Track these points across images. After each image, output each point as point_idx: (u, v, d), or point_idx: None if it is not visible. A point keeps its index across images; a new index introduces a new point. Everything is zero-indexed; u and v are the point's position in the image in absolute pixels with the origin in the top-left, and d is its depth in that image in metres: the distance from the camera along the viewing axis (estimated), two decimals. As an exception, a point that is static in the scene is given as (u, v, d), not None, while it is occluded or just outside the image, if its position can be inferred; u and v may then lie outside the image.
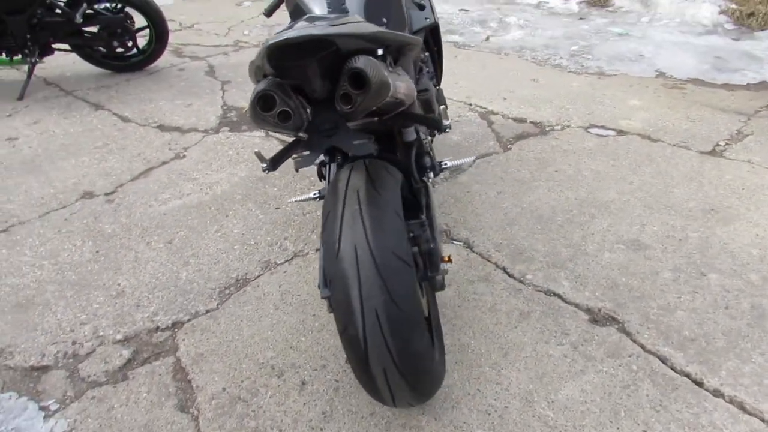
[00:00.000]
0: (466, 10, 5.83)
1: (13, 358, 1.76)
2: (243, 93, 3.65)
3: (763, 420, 1.47)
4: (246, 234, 2.29)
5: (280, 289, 1.99)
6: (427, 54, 2.20)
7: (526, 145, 2.94)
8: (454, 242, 2.20)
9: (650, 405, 1.52)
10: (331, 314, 1.30)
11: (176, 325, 1.87)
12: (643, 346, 1.70)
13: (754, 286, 1.92)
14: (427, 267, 1.48)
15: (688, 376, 1.60)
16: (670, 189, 2.50)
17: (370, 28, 1.18)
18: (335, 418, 1.54)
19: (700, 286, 1.93)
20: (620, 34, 4.87)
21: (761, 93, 3.56)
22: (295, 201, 2.10)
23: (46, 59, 3.89)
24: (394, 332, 1.19)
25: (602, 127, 3.12)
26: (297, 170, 1.32)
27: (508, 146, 2.94)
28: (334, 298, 1.22)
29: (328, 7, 1.64)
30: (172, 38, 4.70)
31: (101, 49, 3.91)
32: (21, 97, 3.65)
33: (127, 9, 3.81)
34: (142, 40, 4.06)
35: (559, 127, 3.13)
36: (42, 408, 1.60)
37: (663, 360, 1.65)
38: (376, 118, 1.40)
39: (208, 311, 1.91)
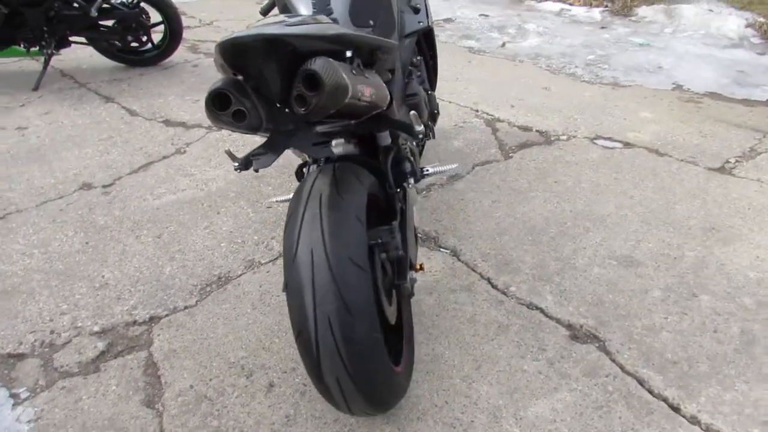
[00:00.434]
0: (486, 16, 5.79)
1: (-9, 344, 1.79)
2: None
3: (739, 451, 1.41)
4: (234, 232, 2.30)
5: (260, 288, 1.99)
6: (419, 58, 2.17)
7: (528, 155, 2.89)
8: (442, 250, 2.17)
9: (622, 428, 1.47)
10: None
11: (153, 319, 1.87)
12: (622, 367, 1.65)
13: (746, 310, 1.84)
14: (394, 274, 1.45)
15: (665, 400, 1.54)
16: (672, 205, 2.42)
17: (333, 29, 1.16)
18: (298, 422, 1.52)
19: (689, 308, 1.86)
20: (641, 45, 4.77)
21: (781, 110, 3.45)
22: (276, 201, 2.09)
23: (65, 52, 3.98)
24: (346, 340, 1.16)
25: (609, 138, 3.05)
26: (257, 170, 1.31)
27: (510, 154, 2.89)
28: (290, 301, 1.21)
29: (313, 8, 1.63)
30: (190, 34, 4.77)
31: (116, 43, 3.98)
32: (36, 88, 3.73)
33: (143, 4, 3.87)
34: (157, 36, 4.12)
35: (564, 137, 3.07)
36: (12, 395, 1.62)
37: (641, 382, 1.59)
38: (353, 121, 1.38)
39: (186, 307, 1.92)
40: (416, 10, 2.04)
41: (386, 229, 1.44)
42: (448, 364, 1.68)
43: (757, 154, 2.87)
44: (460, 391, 1.59)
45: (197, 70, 4.13)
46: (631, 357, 1.67)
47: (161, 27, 4.03)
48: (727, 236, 2.22)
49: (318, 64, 1.04)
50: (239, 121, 1.12)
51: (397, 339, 1.56)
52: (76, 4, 3.65)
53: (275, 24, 1.11)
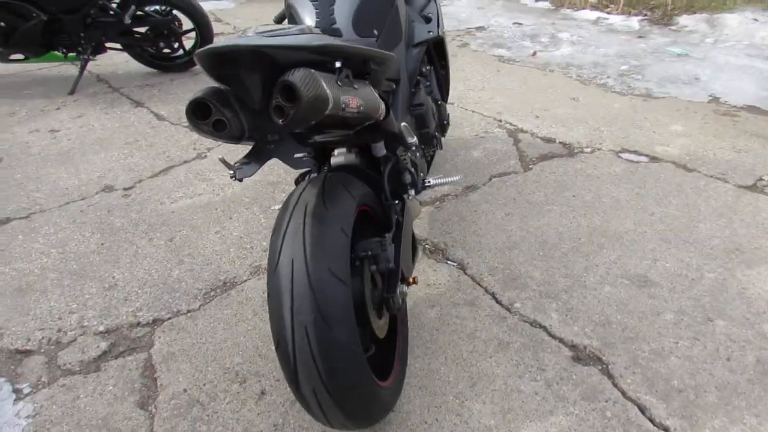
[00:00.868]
0: (520, 24, 5.71)
1: (1, 339, 1.85)
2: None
3: (742, 489, 1.33)
4: (244, 237, 2.32)
5: (263, 295, 1.99)
6: (429, 68, 2.14)
7: (549, 167, 2.82)
8: (449, 262, 2.13)
9: (618, 457, 1.41)
10: None
11: (156, 322, 1.90)
12: (623, 392, 1.57)
13: (765, 338, 1.74)
14: (384, 287, 1.43)
15: (666, 429, 1.46)
16: (695, 223, 2.32)
17: (318, 40, 1.15)
18: (285, 431, 1.51)
19: (702, 333, 1.77)
20: (678, 55, 4.61)
21: (824, 125, 3.27)
22: (278, 209, 2.10)
23: (101, 57, 4.12)
24: (322, 352, 1.15)
25: (635, 152, 2.95)
26: (240, 180, 1.31)
27: (530, 166, 2.83)
28: (270, 310, 1.21)
29: (317, 18, 1.64)
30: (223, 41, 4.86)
31: (149, 49, 4.10)
32: (72, 92, 3.88)
33: (175, 12, 3.98)
34: (188, 42, 4.22)
35: (588, 150, 2.99)
36: (15, 390, 1.66)
37: (642, 409, 1.52)
38: (351, 132, 1.38)
39: (189, 311, 1.94)
40: (427, 20, 2.02)
41: (377, 242, 1.42)
42: (443, 380, 1.64)
43: (793, 171, 2.73)
44: (451, 408, 1.55)
45: (227, 76, 4.21)
46: (635, 382, 1.60)
47: (193, 34, 4.13)
48: (752, 258, 2.10)
49: (296, 76, 1.04)
50: (219, 131, 1.12)
51: (387, 353, 1.53)
52: (111, 12, 3.78)
53: (252, 36, 1.11)
